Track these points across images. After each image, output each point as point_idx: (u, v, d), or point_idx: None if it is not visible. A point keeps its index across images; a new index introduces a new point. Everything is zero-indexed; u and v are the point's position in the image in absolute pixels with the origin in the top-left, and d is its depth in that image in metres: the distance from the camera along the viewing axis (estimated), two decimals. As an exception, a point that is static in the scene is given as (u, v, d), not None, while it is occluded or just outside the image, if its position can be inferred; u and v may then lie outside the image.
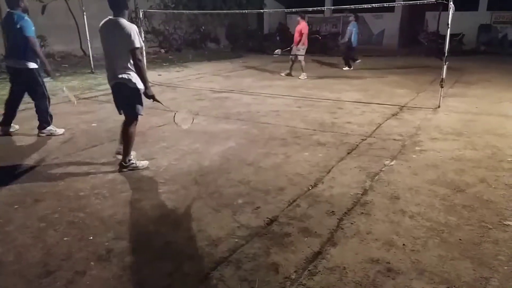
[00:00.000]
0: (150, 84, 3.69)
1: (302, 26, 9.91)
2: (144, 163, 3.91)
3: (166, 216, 2.95)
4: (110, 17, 3.59)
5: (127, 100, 3.70)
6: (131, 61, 3.54)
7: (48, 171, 3.84)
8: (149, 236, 2.68)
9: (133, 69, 3.58)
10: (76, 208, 3.06)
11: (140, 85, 3.62)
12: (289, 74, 10.24)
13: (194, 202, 3.18)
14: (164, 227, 2.79)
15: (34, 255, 2.46)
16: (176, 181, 3.60)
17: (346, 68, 11.53)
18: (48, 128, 4.98)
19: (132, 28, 3.49)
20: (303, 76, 9.93)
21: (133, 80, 3.59)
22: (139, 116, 3.77)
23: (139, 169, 3.83)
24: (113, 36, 3.54)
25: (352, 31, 11.18)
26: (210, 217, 2.93)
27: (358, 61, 11.61)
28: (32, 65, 4.72)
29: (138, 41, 3.51)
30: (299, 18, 10.02)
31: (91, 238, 2.65)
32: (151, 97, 3.68)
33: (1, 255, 2.46)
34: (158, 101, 3.76)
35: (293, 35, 10.42)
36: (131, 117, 3.75)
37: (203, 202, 3.19)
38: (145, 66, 3.57)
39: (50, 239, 2.63)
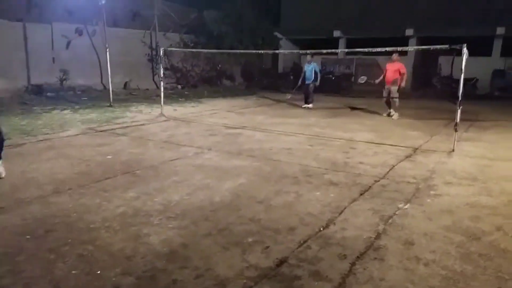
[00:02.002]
0: None
1: (400, 66, 9.58)
2: None
3: (175, 253, 2.92)
4: None
5: None
6: None
7: (61, 201, 3.88)
8: (156, 272, 2.64)
9: None
10: (86, 241, 3.06)
11: None
12: (389, 114, 10.15)
13: (204, 239, 3.15)
14: (172, 264, 2.75)
15: (42, 287, 2.44)
16: (187, 216, 3.59)
17: (306, 106, 11.72)
18: None
19: None
20: (396, 116, 9.90)
21: None
22: None
23: None
24: None
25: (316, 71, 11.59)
26: (219, 255, 2.89)
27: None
28: None
29: None
30: (396, 56, 9.62)
31: (99, 272, 2.63)
32: None
33: (9, 286, 2.45)
34: None
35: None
36: None
37: (212, 239, 3.16)
38: None
39: (59, 271, 2.62)
